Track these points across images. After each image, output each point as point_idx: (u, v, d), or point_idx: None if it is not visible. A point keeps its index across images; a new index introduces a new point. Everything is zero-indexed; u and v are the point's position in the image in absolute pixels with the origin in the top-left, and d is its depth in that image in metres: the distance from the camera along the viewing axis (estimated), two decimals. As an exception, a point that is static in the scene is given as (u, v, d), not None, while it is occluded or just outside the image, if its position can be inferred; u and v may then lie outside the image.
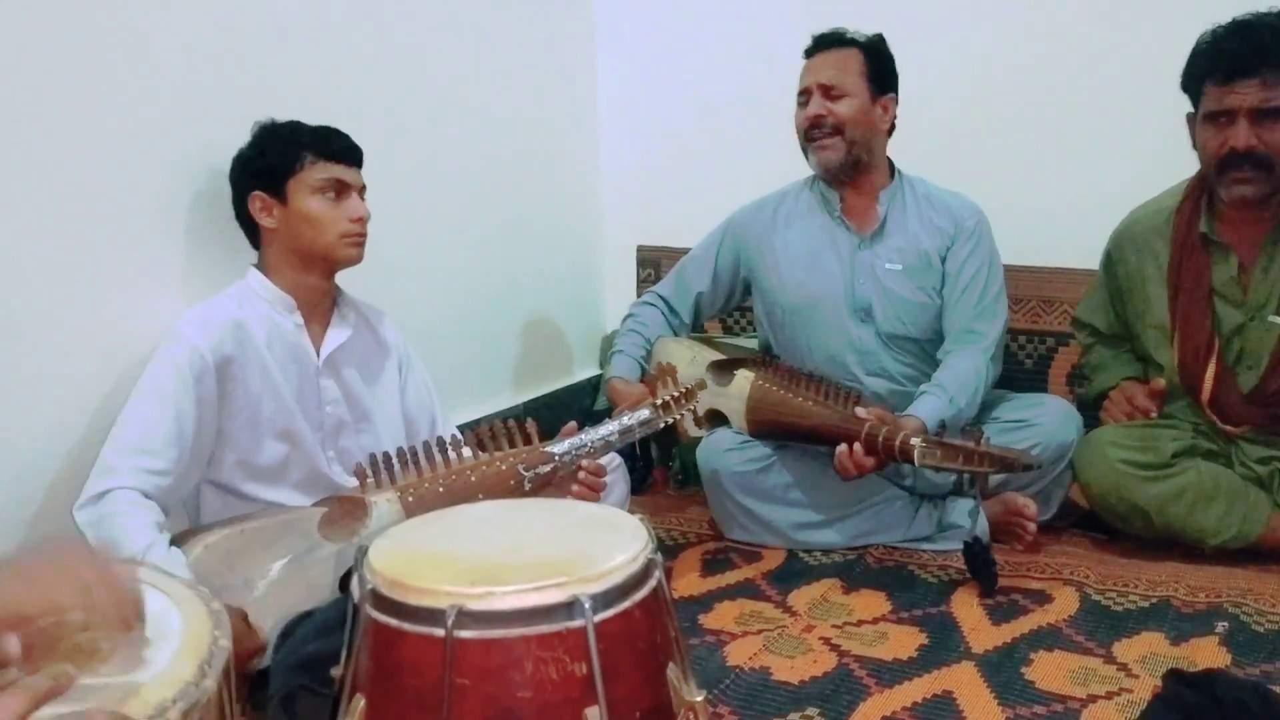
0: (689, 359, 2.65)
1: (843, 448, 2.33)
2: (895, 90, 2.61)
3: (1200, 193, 2.41)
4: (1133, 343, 2.61)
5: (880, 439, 2.28)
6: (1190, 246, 2.41)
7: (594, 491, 2.13)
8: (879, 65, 2.58)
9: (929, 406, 2.41)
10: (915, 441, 2.24)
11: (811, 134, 2.57)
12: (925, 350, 2.62)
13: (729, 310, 2.97)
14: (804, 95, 2.59)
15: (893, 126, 2.62)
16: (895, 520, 2.54)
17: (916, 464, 2.26)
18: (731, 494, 2.56)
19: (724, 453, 2.57)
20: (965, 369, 2.50)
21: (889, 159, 2.66)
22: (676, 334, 2.79)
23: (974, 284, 2.58)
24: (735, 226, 2.77)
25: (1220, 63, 2.24)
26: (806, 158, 2.63)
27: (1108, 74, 2.85)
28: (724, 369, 2.63)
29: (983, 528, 2.43)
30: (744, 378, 2.57)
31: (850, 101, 2.54)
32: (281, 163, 2.06)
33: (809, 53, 2.62)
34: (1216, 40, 2.26)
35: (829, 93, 2.55)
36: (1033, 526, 2.45)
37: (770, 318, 2.74)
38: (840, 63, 2.56)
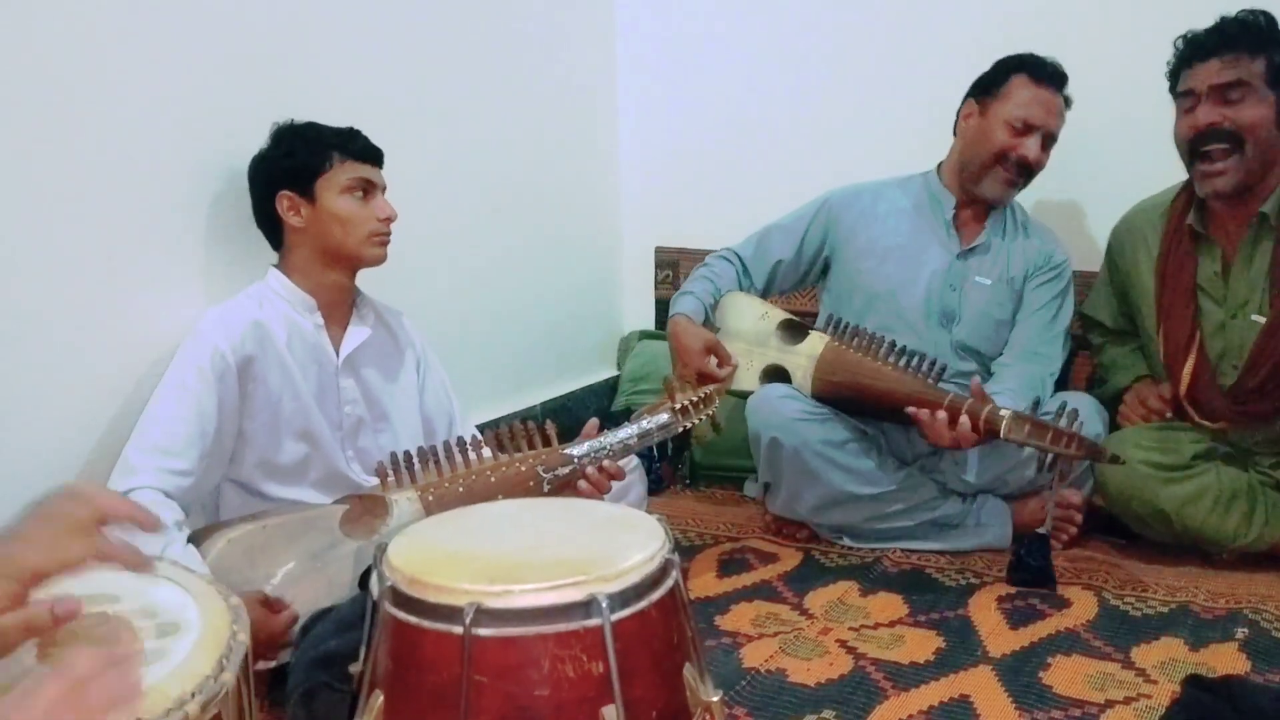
0: (759, 314, 2.62)
1: (941, 414, 2.29)
2: None
3: (1194, 188, 2.42)
4: (1139, 336, 2.61)
5: (965, 410, 2.27)
6: (1178, 240, 2.43)
7: (599, 491, 2.10)
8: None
9: (1009, 403, 2.38)
10: (1004, 413, 2.24)
11: (1008, 167, 2.55)
12: (988, 366, 2.64)
13: (801, 288, 2.91)
14: (1024, 126, 2.53)
15: None
16: (926, 503, 2.53)
17: (1002, 436, 2.24)
18: (783, 443, 2.47)
19: (778, 400, 2.49)
20: (1035, 379, 2.52)
21: None
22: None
23: (1045, 310, 2.62)
24: (831, 205, 2.74)
25: (1186, 50, 2.31)
26: (974, 172, 2.59)
27: (1141, 79, 2.84)
28: (796, 328, 2.59)
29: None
30: (818, 337, 2.52)
31: (1048, 156, 2.58)
32: (310, 162, 2.08)
33: (1046, 79, 2.54)
34: (1187, 35, 2.33)
35: (1046, 144, 2.55)
36: (1079, 518, 2.46)
37: (844, 302, 2.69)
38: (1062, 116, 2.56)
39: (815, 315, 2.74)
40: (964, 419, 2.27)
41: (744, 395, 2.57)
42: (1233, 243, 2.38)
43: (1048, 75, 2.54)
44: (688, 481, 2.99)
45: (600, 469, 2.10)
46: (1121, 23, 2.86)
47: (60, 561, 1.01)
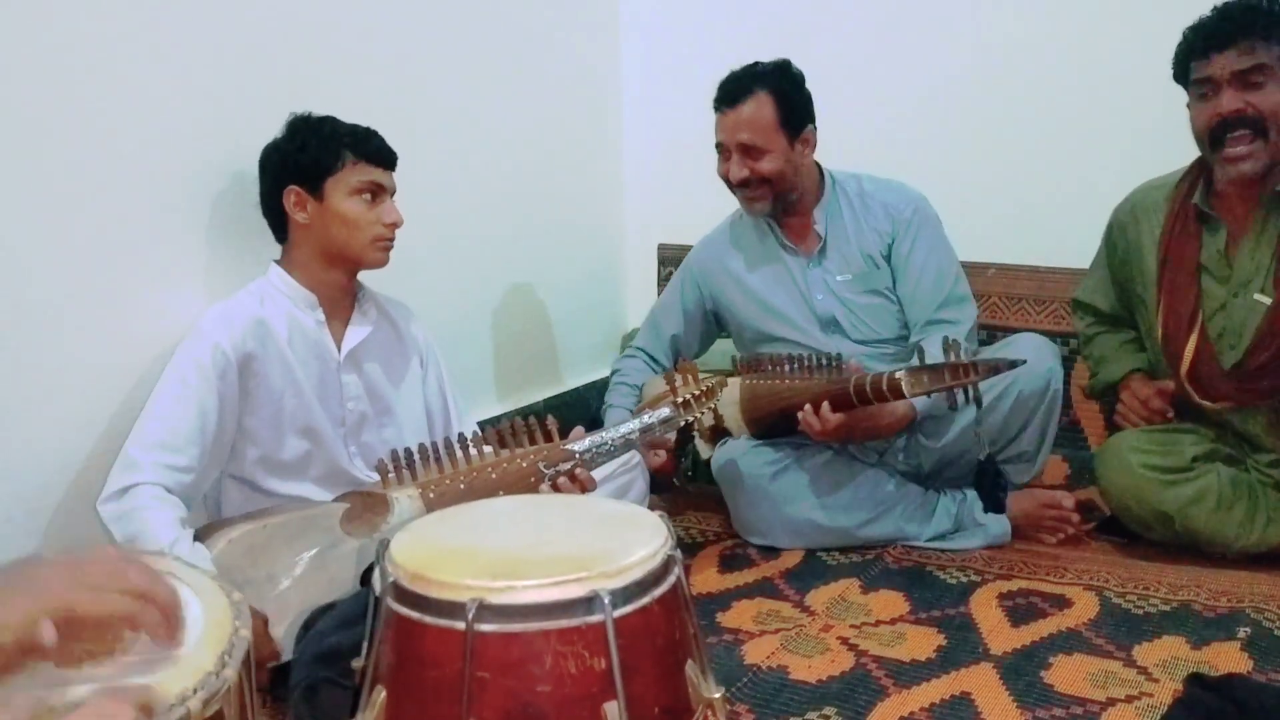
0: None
1: (807, 409, 2.33)
2: (812, 117, 2.57)
3: (1202, 170, 2.40)
4: (1134, 321, 2.58)
5: (868, 386, 2.29)
6: (1184, 218, 2.41)
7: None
8: (790, 106, 2.53)
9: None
10: (900, 374, 2.25)
11: (736, 190, 2.58)
12: (902, 349, 2.63)
13: (708, 347, 2.95)
14: (722, 150, 2.57)
15: (815, 145, 2.60)
16: (914, 516, 2.53)
17: (907, 395, 2.26)
18: (752, 494, 2.55)
19: (741, 456, 2.57)
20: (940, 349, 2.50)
21: (817, 167, 2.65)
22: None
23: (925, 272, 2.58)
24: (692, 266, 2.82)
25: (1199, 40, 2.27)
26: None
27: (1132, 74, 2.84)
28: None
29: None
30: (732, 384, 2.58)
31: (772, 157, 2.52)
32: (322, 160, 2.07)
33: (719, 105, 2.56)
34: (1196, 23, 2.29)
35: (749, 153, 2.52)
36: (1075, 518, 2.47)
37: (744, 345, 2.76)
38: (754, 119, 2.51)
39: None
40: (825, 405, 2.32)
41: (706, 464, 2.62)
42: (1239, 222, 2.36)
43: (719, 99, 2.56)
44: (689, 475, 2.98)
45: (573, 478, 2.06)
46: (1113, 16, 2.87)
47: (95, 609, 0.96)
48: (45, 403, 1.93)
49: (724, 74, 3.31)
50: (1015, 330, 2.87)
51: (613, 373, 2.88)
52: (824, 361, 2.44)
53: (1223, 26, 2.24)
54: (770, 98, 2.51)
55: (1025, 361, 2.33)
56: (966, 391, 2.26)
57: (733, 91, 2.54)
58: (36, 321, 1.91)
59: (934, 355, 2.27)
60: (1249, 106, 2.22)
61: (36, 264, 1.90)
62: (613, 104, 3.47)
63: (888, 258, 2.61)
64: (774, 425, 2.53)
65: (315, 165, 2.07)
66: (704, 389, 2.33)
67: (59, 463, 1.96)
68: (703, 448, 2.60)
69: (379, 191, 2.11)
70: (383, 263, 2.15)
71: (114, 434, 1.99)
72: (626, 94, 3.48)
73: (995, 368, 2.23)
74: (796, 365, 2.48)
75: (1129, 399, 2.55)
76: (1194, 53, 2.28)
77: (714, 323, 2.84)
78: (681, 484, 2.96)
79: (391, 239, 2.13)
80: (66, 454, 1.97)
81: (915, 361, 2.30)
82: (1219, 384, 2.38)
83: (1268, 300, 2.31)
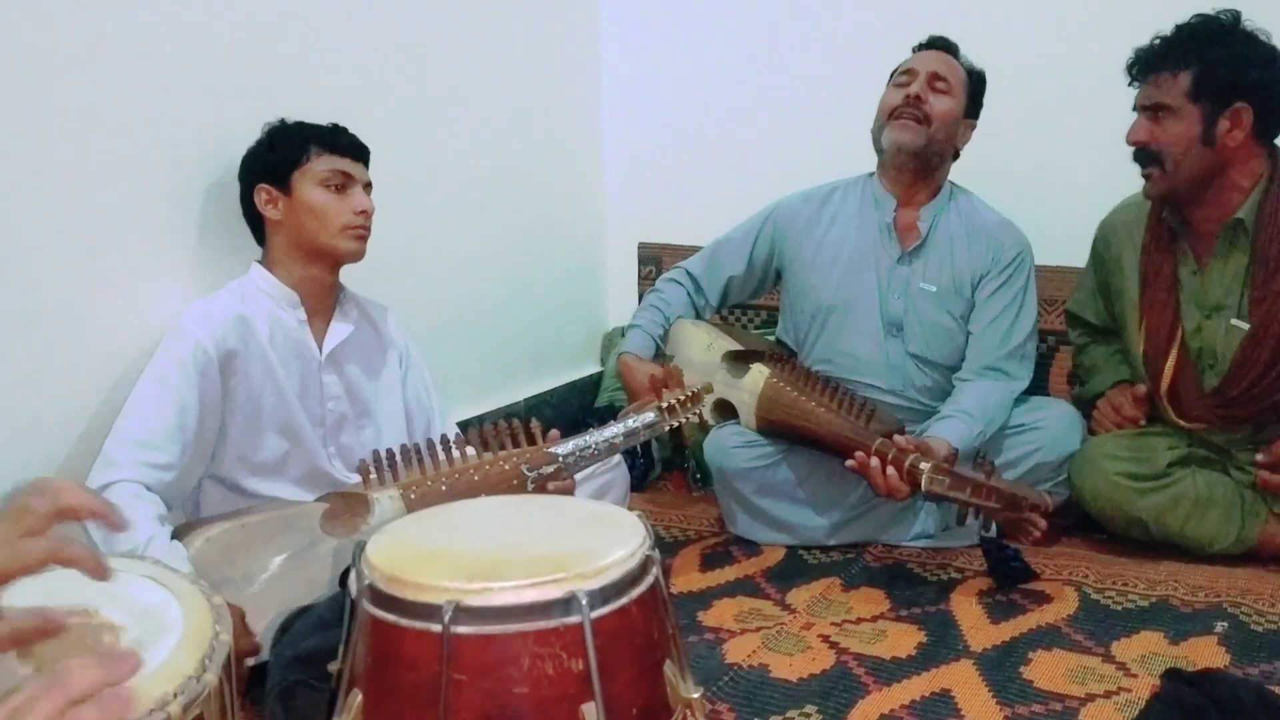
0: (705, 345, 2.64)
1: (875, 463, 2.25)
2: (977, 119, 2.64)
3: None
4: (1120, 335, 2.61)
5: (890, 457, 2.24)
6: (1159, 236, 2.44)
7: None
8: (977, 90, 2.62)
9: (958, 432, 2.36)
10: (924, 466, 2.19)
11: (900, 111, 2.55)
12: (949, 377, 2.60)
13: (758, 297, 2.91)
14: (907, 75, 2.58)
15: (959, 153, 2.65)
16: (899, 517, 2.54)
17: (923, 489, 2.20)
18: (739, 490, 2.54)
19: (731, 450, 2.55)
20: (994, 403, 2.47)
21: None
22: (700, 315, 2.77)
23: (1003, 318, 2.56)
24: (779, 215, 2.74)
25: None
26: (879, 139, 2.60)
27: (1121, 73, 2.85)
28: (739, 360, 2.60)
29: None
30: (759, 372, 2.54)
31: (949, 100, 2.56)
32: (289, 155, 2.07)
33: (924, 46, 2.63)
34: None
35: (935, 82, 2.55)
36: (1043, 523, 2.46)
37: (798, 313, 2.70)
38: (951, 65, 2.59)
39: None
40: (890, 470, 2.25)
41: (707, 429, 2.60)
42: (1205, 245, 2.39)
43: (926, 42, 2.65)
44: (699, 480, 2.92)
45: (558, 482, 2.05)
46: (1101, 19, 2.88)
47: (17, 564, 0.97)
48: (26, 401, 1.92)
49: (704, 72, 3.34)
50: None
51: (652, 291, 2.80)
52: (858, 406, 2.40)
53: (1135, 63, 2.35)
54: (964, 70, 2.62)
55: (1050, 509, 2.27)
56: (978, 512, 2.21)
57: (940, 41, 2.63)
58: (18, 317, 1.89)
59: (965, 458, 2.26)
60: (1153, 139, 2.33)
61: (16, 260, 1.89)
62: (592, 102, 3.46)
63: (974, 287, 2.58)
64: (782, 433, 2.51)
65: (283, 161, 2.07)
66: (689, 394, 2.32)
67: (40, 460, 1.94)
68: (709, 416, 2.54)
69: (348, 181, 2.10)
70: (358, 254, 2.13)
71: (95, 431, 1.98)
72: (606, 92, 3.48)
73: (1016, 503, 2.18)
74: (830, 393, 2.43)
75: (1104, 406, 2.57)
76: (1131, 80, 2.39)
77: (773, 279, 2.79)
78: (692, 490, 2.93)
79: (364, 227, 2.11)
80: (47, 451, 1.96)
81: (960, 443, 2.30)
82: (1197, 405, 2.40)
83: (1245, 326, 2.33)
